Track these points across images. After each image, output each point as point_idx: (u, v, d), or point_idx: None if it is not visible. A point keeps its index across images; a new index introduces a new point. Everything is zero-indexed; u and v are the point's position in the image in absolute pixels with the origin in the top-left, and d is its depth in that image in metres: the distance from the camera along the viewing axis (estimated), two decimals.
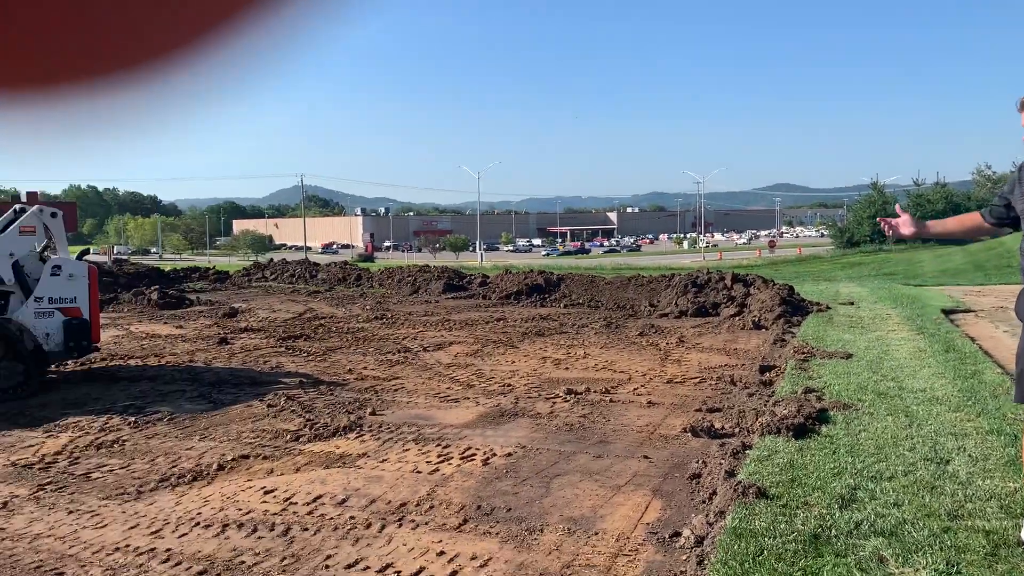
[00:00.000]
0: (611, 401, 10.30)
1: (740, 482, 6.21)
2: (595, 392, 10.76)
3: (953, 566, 4.65)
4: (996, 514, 5.48)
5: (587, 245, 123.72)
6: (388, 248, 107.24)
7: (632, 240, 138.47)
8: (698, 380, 11.59)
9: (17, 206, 12.43)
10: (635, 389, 11.03)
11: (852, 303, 20.11)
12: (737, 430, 8.47)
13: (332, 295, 25.95)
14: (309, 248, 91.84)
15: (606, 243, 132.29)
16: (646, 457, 7.83)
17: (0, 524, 6.32)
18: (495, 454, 7.99)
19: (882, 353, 12.19)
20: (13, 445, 8.65)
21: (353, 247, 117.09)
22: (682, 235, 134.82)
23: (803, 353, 12.50)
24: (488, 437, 8.67)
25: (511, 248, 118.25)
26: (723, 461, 7.19)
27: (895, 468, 6.54)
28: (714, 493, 6.45)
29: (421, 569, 5.33)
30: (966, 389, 9.37)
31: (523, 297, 23.32)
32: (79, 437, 8.91)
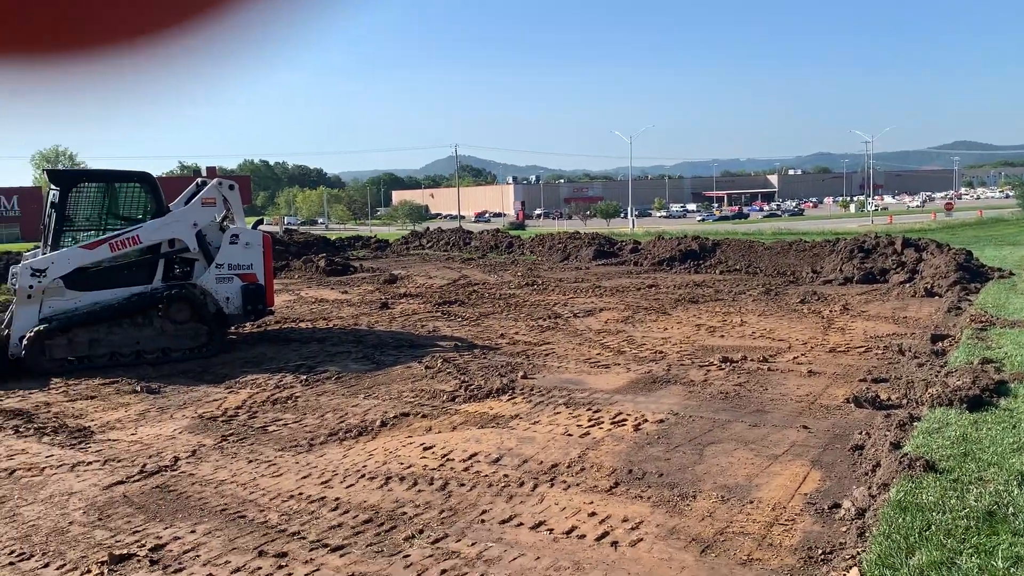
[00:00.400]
0: (769, 370, 10.00)
1: (906, 455, 5.90)
2: (752, 360, 10.48)
3: None
4: None
5: (745, 210, 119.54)
6: (539, 216, 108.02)
7: (794, 204, 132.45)
8: (863, 349, 11.04)
9: (198, 179, 13.45)
10: (795, 358, 10.65)
11: None
12: (904, 401, 8.02)
13: (485, 262, 26.51)
14: (462, 217, 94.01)
15: (766, 207, 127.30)
16: (805, 427, 7.57)
17: (190, 470, 6.96)
18: (646, 420, 7.97)
19: None
20: (199, 399, 9.46)
21: (504, 215, 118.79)
22: (848, 198, 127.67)
23: (981, 322, 11.64)
24: (639, 403, 8.65)
25: (664, 214, 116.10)
26: (888, 433, 6.85)
27: None
28: (877, 465, 6.16)
29: (573, 528, 5.43)
30: None
31: (676, 263, 22.93)
32: (257, 393, 9.62)
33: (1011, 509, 4.88)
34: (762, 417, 7.99)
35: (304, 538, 5.40)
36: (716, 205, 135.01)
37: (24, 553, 5.32)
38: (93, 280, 11.62)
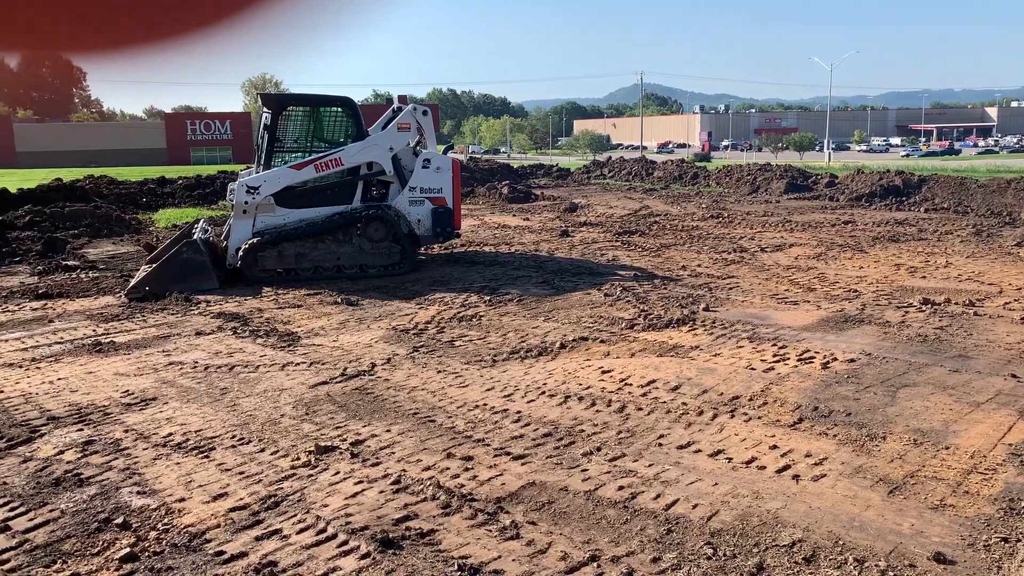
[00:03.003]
0: (975, 315, 9.28)
1: None
2: (956, 304, 9.76)
3: None
4: None
5: (957, 145, 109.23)
6: (725, 147, 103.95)
7: (1015, 140, 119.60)
8: None
9: (394, 106, 14.00)
10: (1006, 303, 9.81)
11: None
12: None
13: (667, 193, 26.01)
14: (644, 148, 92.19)
15: (981, 143, 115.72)
16: (1014, 376, 7.02)
17: (385, 376, 7.46)
18: (836, 359, 7.67)
19: None
20: (392, 313, 10.05)
21: (689, 146, 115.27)
22: None
23: None
24: (828, 341, 8.32)
25: (864, 148, 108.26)
26: None
27: None
28: None
29: (753, 459, 5.38)
30: None
31: (876, 199, 21.50)
32: (444, 310, 10.09)
33: None
34: (965, 363, 7.47)
35: (488, 445, 5.70)
36: (923, 139, 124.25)
37: (244, 438, 5.96)
38: (300, 198, 12.51)
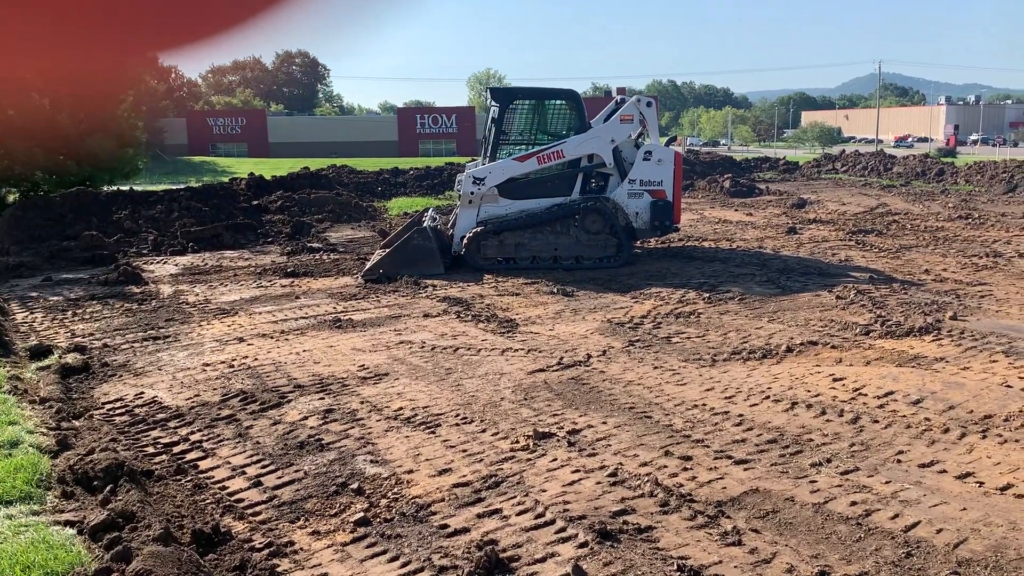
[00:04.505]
0: None
1: None
2: None
3: None
4: None
5: None
6: (974, 142, 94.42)
7: None
8: None
9: (617, 98, 13.95)
10: None
11: None
12: None
13: (908, 190, 24.05)
14: (880, 141, 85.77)
15: None
16: None
17: (601, 367, 7.46)
18: None
19: None
20: (607, 306, 10.04)
21: (931, 140, 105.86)
22: None
23: None
24: None
25: None
26: None
27: None
28: None
29: (1009, 486, 4.83)
30: None
31: None
32: (660, 305, 9.93)
33: None
34: None
35: (708, 446, 5.53)
36: None
37: (467, 418, 6.19)
38: (522, 190, 12.82)
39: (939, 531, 4.30)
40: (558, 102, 13.28)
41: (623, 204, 12.87)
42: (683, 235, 15.36)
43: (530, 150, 12.86)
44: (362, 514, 4.59)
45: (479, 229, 12.52)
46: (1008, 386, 6.70)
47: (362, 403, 6.58)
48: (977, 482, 4.91)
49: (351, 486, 4.99)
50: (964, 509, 4.55)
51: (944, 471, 5.07)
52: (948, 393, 6.56)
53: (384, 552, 4.21)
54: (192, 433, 5.99)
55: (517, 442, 5.64)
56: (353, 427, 6.03)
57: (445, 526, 4.45)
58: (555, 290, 10.89)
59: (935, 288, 10.58)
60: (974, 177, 25.31)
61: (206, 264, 13.66)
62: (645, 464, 5.24)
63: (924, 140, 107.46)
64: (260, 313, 9.94)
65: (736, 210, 19.82)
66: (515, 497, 4.78)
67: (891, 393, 6.58)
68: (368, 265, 12.34)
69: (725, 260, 12.94)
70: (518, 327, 9.05)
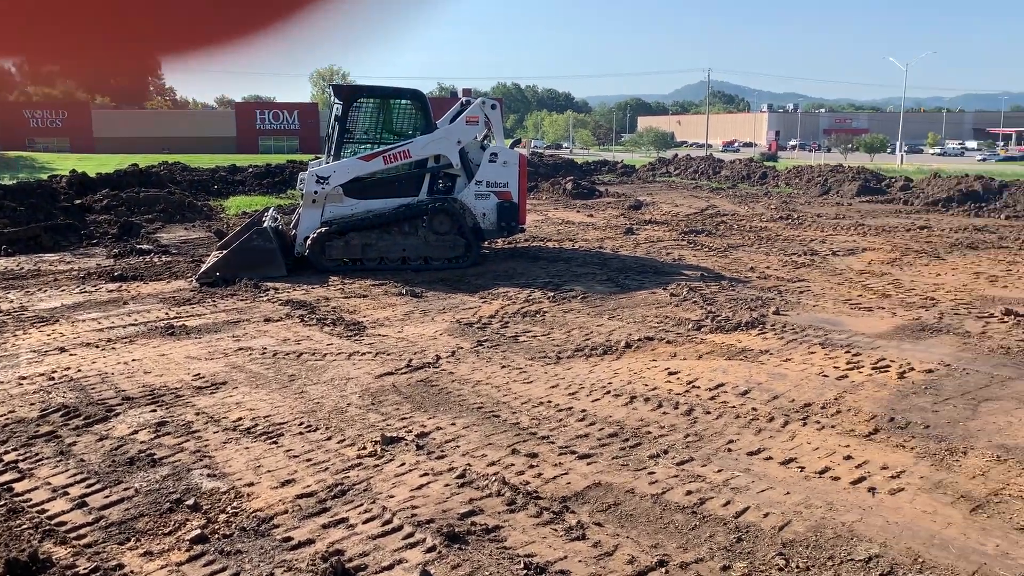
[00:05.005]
0: None
1: None
2: None
3: None
4: None
5: None
6: (793, 147, 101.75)
7: None
8: None
9: (462, 99, 14.02)
10: None
11: None
12: None
13: (735, 192, 25.57)
14: (710, 146, 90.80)
15: None
16: None
17: (450, 368, 7.47)
18: (912, 368, 7.41)
19: None
20: (456, 306, 10.06)
21: (755, 145, 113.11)
22: None
23: None
24: (905, 350, 8.05)
25: (938, 151, 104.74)
26: None
27: None
28: None
29: (826, 469, 5.23)
30: None
31: (953, 205, 20.79)
32: (508, 305, 10.07)
33: None
34: None
35: (553, 443, 5.65)
36: (1002, 144, 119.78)
37: (311, 426, 6.02)
38: (368, 189, 12.63)
39: (766, 515, 4.59)
40: (403, 101, 13.18)
41: (470, 205, 12.95)
42: (529, 235, 15.65)
43: (376, 149, 12.69)
44: (199, 531, 4.36)
45: (324, 229, 12.23)
46: (825, 376, 7.25)
47: (198, 414, 6.26)
48: (799, 467, 5.27)
49: (186, 502, 4.73)
50: (788, 493, 4.87)
51: (770, 458, 5.42)
52: (772, 384, 7.02)
53: (223, 569, 4.02)
54: (6, 453, 5.50)
55: (364, 448, 5.55)
56: (188, 440, 5.73)
57: (288, 539, 4.31)
58: (404, 291, 10.80)
59: (759, 285, 11.30)
60: (793, 180, 27.25)
61: (22, 268, 12.61)
62: (493, 464, 5.28)
63: (749, 145, 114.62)
64: (84, 320, 9.27)
65: (578, 211, 20.40)
66: (362, 505, 4.70)
67: (721, 385, 6.96)
68: (204, 268, 11.77)
69: (568, 260, 13.28)
70: (365, 330, 8.91)
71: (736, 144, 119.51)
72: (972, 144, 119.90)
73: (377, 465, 5.27)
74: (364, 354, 7.94)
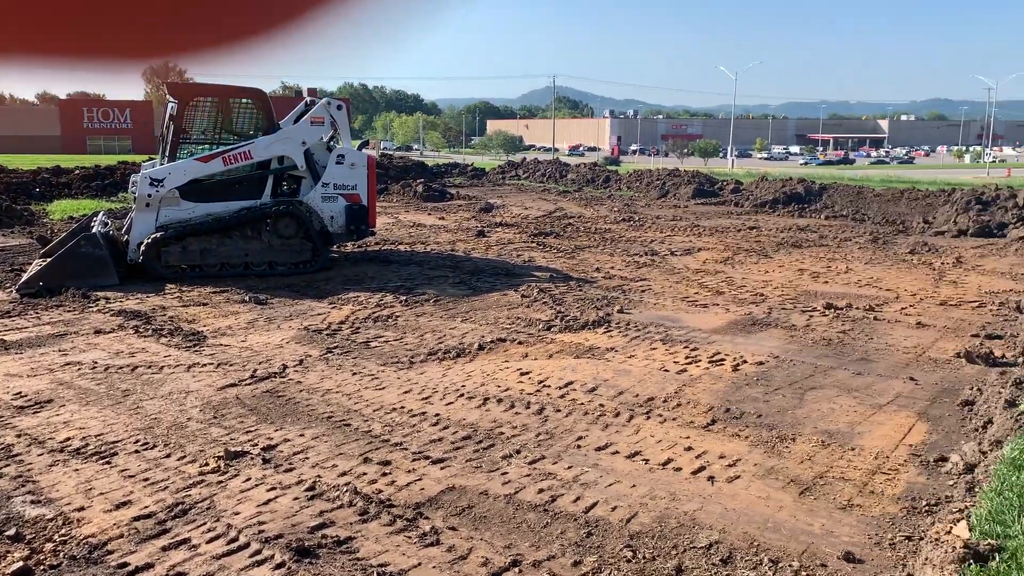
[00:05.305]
0: (875, 319, 9.69)
1: (1023, 413, 5.67)
2: (857, 308, 10.17)
3: None
4: None
5: (851, 155, 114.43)
6: (634, 151, 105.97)
7: (904, 151, 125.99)
8: (976, 304, 10.56)
9: (307, 99, 13.67)
10: (903, 309, 10.28)
11: None
12: (1021, 360, 7.67)
13: (581, 195, 26.29)
14: (556, 150, 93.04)
15: (873, 153, 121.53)
16: (912, 379, 7.35)
17: (298, 378, 7.26)
18: (745, 361, 7.87)
19: None
20: (304, 313, 9.80)
21: (599, 149, 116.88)
22: (963, 148, 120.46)
23: None
24: (738, 344, 8.53)
25: (765, 155, 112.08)
26: (1003, 390, 6.58)
27: None
28: (990, 422, 5.95)
29: (669, 460, 5.46)
30: None
31: (779, 206, 22.25)
32: (359, 310, 9.90)
33: None
34: (867, 366, 7.78)
35: (406, 449, 5.60)
36: (821, 149, 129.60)
37: (148, 443, 5.69)
38: (206, 192, 12.07)
39: (614, 508, 4.73)
40: (244, 101, 12.68)
41: (317, 208, 12.63)
42: (379, 239, 15.46)
43: (214, 150, 12.15)
44: (22, 563, 4.02)
45: (159, 235, 11.58)
46: (666, 370, 7.57)
47: (19, 436, 5.77)
48: (644, 460, 5.48)
49: (7, 532, 4.36)
50: (634, 486, 5.05)
51: (617, 452, 5.60)
52: (618, 380, 7.26)
53: None
54: None
55: (207, 464, 5.29)
56: (8, 465, 5.27)
57: (124, 564, 4.04)
58: (247, 298, 10.40)
59: (605, 285, 11.67)
60: (634, 184, 28.33)
61: None
62: (344, 474, 5.17)
63: (594, 149, 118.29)
64: None
65: (429, 214, 20.37)
66: (205, 524, 4.48)
67: (571, 383, 7.14)
68: (25, 277, 10.88)
69: (420, 263, 13.23)
70: (206, 340, 8.51)
71: (582, 148, 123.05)
72: (795, 149, 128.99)
73: (221, 481, 5.04)
74: (205, 366, 7.58)
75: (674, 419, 6.28)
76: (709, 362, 7.85)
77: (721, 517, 4.64)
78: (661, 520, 4.59)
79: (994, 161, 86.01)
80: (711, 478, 5.18)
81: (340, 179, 12.77)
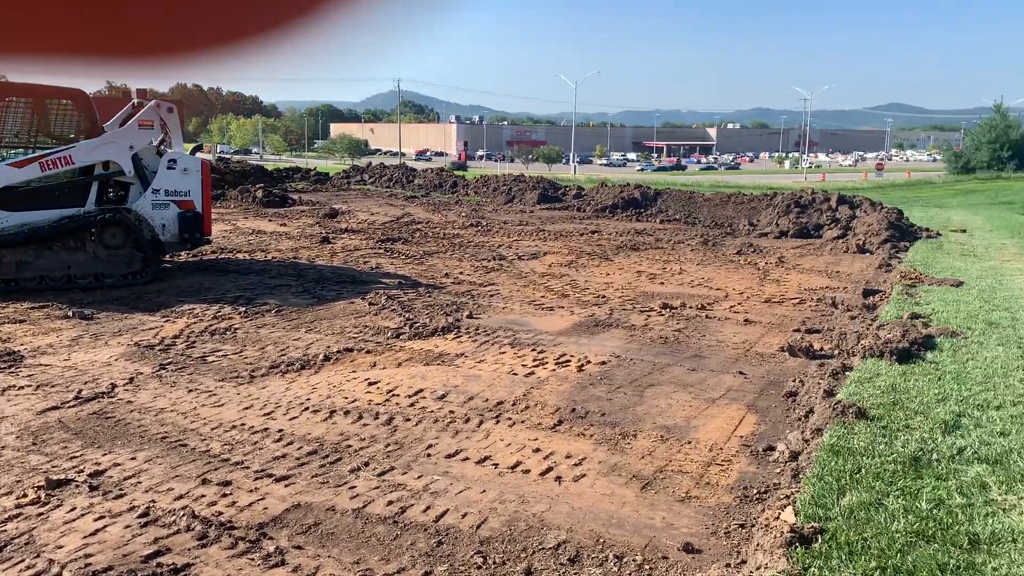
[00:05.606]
0: (707, 317, 10.23)
1: (839, 402, 6.14)
2: (691, 307, 10.70)
3: None
4: None
5: (683, 161, 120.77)
6: (481, 157, 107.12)
7: (731, 158, 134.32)
8: (797, 301, 11.37)
9: (134, 100, 12.91)
10: (732, 307, 10.91)
11: (964, 231, 19.19)
12: (837, 352, 8.32)
13: (428, 201, 26.26)
14: (403, 154, 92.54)
15: (703, 160, 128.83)
16: (741, 373, 7.80)
17: (128, 397, 6.82)
18: (589, 362, 8.10)
19: (996, 283, 11.66)
20: (135, 327, 9.23)
21: (446, 155, 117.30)
22: (784, 154, 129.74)
23: (910, 279, 12.08)
24: (583, 345, 8.77)
25: (604, 162, 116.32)
26: (822, 381, 7.11)
27: (1004, 398, 6.35)
28: (811, 411, 6.41)
29: (518, 463, 5.53)
30: None
31: (618, 211, 23.09)
32: (194, 323, 9.43)
33: (935, 455, 5.15)
34: (700, 362, 8.20)
35: (248, 468, 5.38)
36: (656, 155, 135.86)
37: None
38: (22, 200, 11.13)
39: (464, 515, 4.74)
40: (63, 102, 11.80)
41: (147, 215, 11.92)
42: (216, 247, 14.81)
43: (30, 155, 11.23)
44: None
45: None
46: (514, 374, 7.67)
47: None
48: (493, 464, 5.52)
49: None
50: (484, 491, 5.08)
51: (467, 458, 5.62)
52: (468, 385, 7.29)
53: None
54: None
55: (24, 496, 4.87)
56: None
57: None
58: (70, 313, 9.68)
59: (454, 290, 11.70)
60: (481, 189, 28.59)
61: None
62: (180, 497, 4.90)
63: (440, 154, 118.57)
64: None
65: (270, 220, 19.72)
66: (23, 560, 4.12)
67: (420, 391, 7.10)
68: None
69: (261, 272, 12.77)
70: (24, 360, 7.85)
71: (428, 153, 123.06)
72: (632, 156, 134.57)
73: (41, 513, 4.65)
74: (22, 388, 6.98)
75: (523, 422, 6.37)
76: (556, 364, 8.02)
77: (568, 516, 4.74)
78: (511, 524, 4.64)
79: (810, 167, 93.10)
80: (558, 478, 5.29)
81: (172, 185, 12.12)
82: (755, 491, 5.10)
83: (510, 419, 6.43)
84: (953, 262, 13.82)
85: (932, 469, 4.95)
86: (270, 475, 5.26)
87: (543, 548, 4.36)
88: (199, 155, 13.30)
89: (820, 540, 4.03)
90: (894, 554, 3.86)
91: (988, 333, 8.50)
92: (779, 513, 4.43)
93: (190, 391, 7.02)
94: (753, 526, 4.57)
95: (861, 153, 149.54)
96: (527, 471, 5.41)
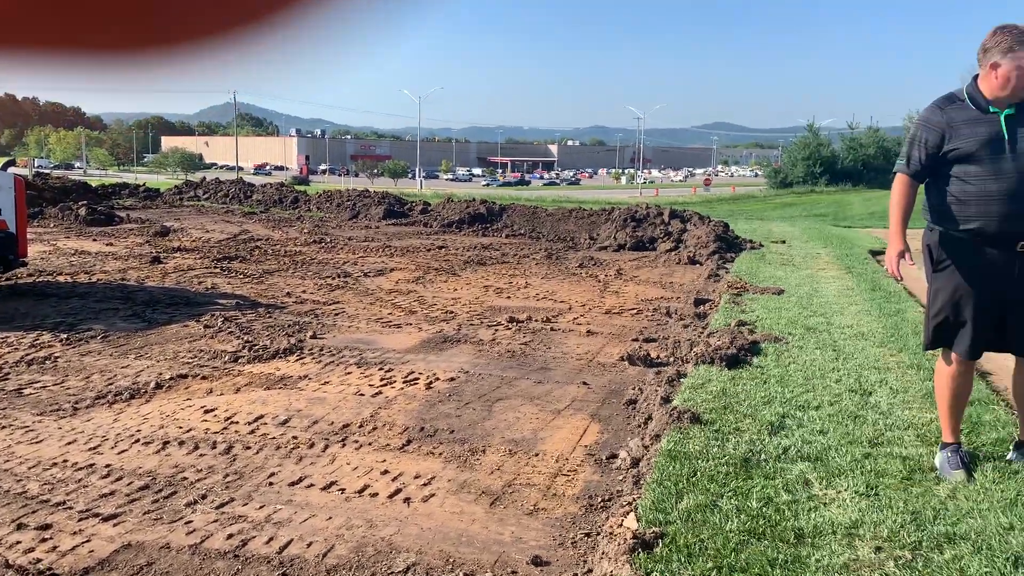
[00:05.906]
0: (552, 330, 10.46)
1: (675, 408, 6.43)
2: (536, 321, 10.91)
3: (872, 488, 4.94)
4: (913, 442, 5.81)
5: (527, 177, 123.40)
6: (324, 171, 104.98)
7: (572, 174, 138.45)
8: (635, 311, 11.83)
9: None
10: (575, 319, 11.21)
11: (784, 242, 20.63)
12: (672, 359, 8.72)
13: (268, 217, 25.45)
14: (241, 169, 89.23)
15: (546, 175, 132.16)
16: (585, 383, 8.02)
17: None
18: (438, 378, 8.09)
19: (812, 290, 12.60)
20: None
21: (287, 169, 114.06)
22: (620, 170, 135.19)
23: (736, 288, 12.84)
24: (431, 362, 8.74)
25: (450, 177, 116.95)
26: (659, 388, 7.42)
27: (822, 398, 6.85)
28: (650, 418, 6.67)
29: (365, 487, 5.42)
30: (890, 326, 9.79)
31: (465, 226, 23.25)
32: (8, 353, 8.67)
33: (763, 456, 5.48)
34: (546, 374, 8.36)
35: (71, 508, 4.99)
36: (500, 171, 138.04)
37: None
38: None
39: (310, 544, 4.59)
40: None
41: None
42: (32, 270, 13.70)
43: None
44: None
45: None
46: (361, 394, 7.54)
47: None
48: (340, 489, 5.39)
49: None
50: (330, 518, 4.94)
51: (312, 485, 5.45)
52: (312, 409, 7.09)
53: None
54: None
55: None
56: None
57: None
58: None
59: (296, 310, 11.37)
60: (324, 204, 28.00)
61: None
62: None
63: (281, 168, 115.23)
64: None
65: (95, 240, 18.47)
66: None
67: (261, 417, 6.83)
68: None
69: (85, 295, 11.92)
70: None
71: (268, 167, 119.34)
72: (478, 171, 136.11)
73: None
74: None
75: (370, 444, 6.26)
76: (404, 382, 7.95)
77: (418, 538, 4.70)
78: (358, 550, 4.54)
79: (645, 182, 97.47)
80: (407, 500, 5.24)
81: None
82: (599, 499, 5.25)
83: (357, 442, 6.30)
84: (775, 271, 14.83)
85: (761, 469, 5.26)
86: (97, 514, 4.89)
87: (392, 572, 4.30)
88: (11, 171, 12.29)
89: (661, 544, 4.19)
90: (729, 553, 4.07)
91: (807, 337, 9.16)
92: (622, 520, 4.57)
93: (3, 427, 6.43)
94: (598, 534, 4.69)
95: (691, 169, 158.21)
96: (375, 494, 5.32)
